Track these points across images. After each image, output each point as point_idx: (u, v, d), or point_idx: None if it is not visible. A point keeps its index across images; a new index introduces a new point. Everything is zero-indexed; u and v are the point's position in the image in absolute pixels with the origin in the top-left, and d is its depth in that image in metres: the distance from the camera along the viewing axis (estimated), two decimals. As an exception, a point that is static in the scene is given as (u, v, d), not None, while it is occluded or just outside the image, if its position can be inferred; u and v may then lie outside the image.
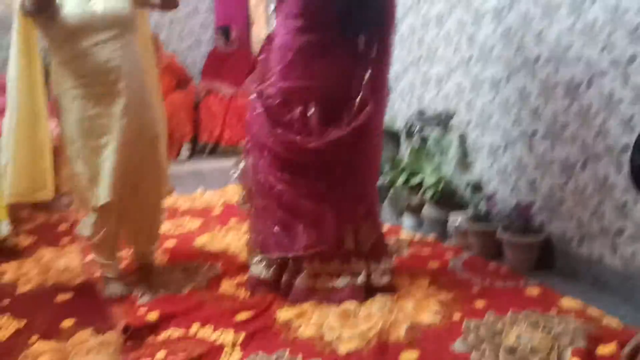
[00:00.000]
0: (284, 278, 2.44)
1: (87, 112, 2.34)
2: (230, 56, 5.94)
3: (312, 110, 2.35)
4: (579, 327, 2.06)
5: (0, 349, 2.09)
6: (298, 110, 2.35)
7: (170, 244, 3.21)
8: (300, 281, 2.41)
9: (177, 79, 5.90)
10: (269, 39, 2.49)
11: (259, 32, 6.52)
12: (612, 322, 2.13)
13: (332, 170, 2.41)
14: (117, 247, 2.59)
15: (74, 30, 2.29)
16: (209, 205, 4.05)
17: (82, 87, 2.33)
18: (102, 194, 2.34)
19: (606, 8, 2.30)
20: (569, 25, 2.47)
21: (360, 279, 2.42)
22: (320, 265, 2.43)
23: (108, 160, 2.34)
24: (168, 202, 4.07)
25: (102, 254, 2.51)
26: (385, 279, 2.46)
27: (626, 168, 2.26)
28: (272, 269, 2.47)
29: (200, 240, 3.25)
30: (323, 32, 2.32)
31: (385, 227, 3.39)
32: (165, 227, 3.50)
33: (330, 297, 2.38)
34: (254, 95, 2.47)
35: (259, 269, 2.49)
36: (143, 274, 2.67)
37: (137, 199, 2.53)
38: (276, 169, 2.40)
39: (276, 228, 2.43)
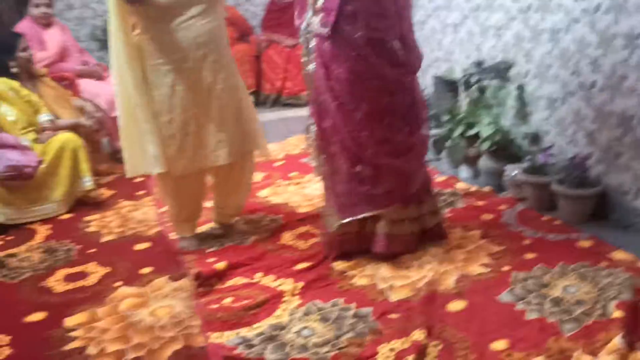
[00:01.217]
0: (366, 230, 2.46)
1: (178, 86, 2.41)
2: (290, 7, 5.95)
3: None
4: (627, 280, 2.10)
5: (90, 292, 2.37)
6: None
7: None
8: (381, 229, 2.43)
9: (238, 31, 6.00)
10: None
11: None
12: (662, 275, 2.16)
13: (406, 113, 2.37)
14: (198, 216, 2.75)
15: (166, 8, 2.34)
16: (271, 157, 4.21)
17: (173, 62, 2.39)
18: (186, 164, 2.48)
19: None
20: (631, -28, 2.38)
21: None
22: (399, 211, 2.44)
23: (192, 133, 2.45)
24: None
25: (181, 224, 2.70)
26: (434, 220, 2.54)
27: (686, 121, 2.22)
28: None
29: (263, 193, 3.44)
30: None
31: (443, 177, 3.48)
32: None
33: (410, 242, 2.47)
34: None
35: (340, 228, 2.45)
36: (220, 232, 2.82)
37: (230, 172, 2.65)
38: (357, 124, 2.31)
39: (362, 188, 2.37)
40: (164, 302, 2.23)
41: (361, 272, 2.38)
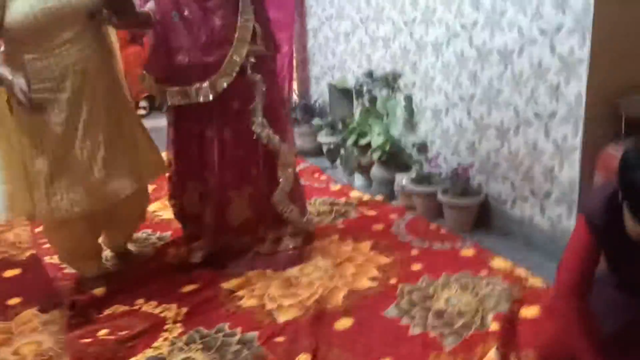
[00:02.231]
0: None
1: (52, 118, 2.11)
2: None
3: None
4: (505, 290, 2.19)
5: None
6: None
7: (122, 211, 3.24)
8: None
9: (130, 33, 5.75)
10: None
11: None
12: (536, 282, 2.26)
13: None
14: (95, 253, 2.47)
15: (27, 32, 2.04)
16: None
17: (45, 92, 2.09)
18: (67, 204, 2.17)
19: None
20: None
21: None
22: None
23: (73, 170, 2.15)
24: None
25: (77, 267, 2.43)
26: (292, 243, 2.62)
27: (553, 135, 2.34)
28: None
29: (151, 207, 3.27)
30: None
31: (337, 186, 3.49)
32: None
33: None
34: None
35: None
36: (119, 260, 2.62)
37: (124, 205, 2.35)
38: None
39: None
40: (31, 337, 2.05)
41: (251, 292, 2.32)
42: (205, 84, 2.35)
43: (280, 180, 2.55)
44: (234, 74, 2.35)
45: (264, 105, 2.45)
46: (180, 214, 2.69)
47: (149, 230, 2.95)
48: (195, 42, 2.36)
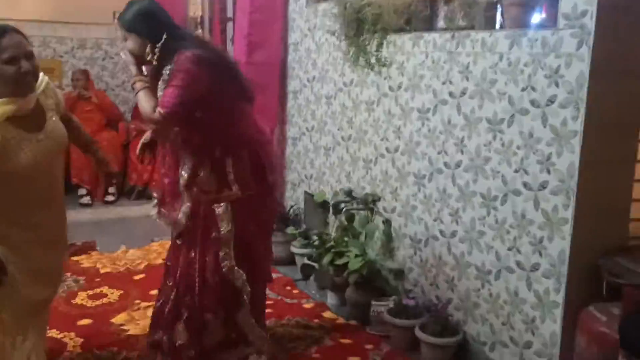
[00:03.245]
0: None
1: None
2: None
3: None
4: None
5: None
6: None
7: (85, 323, 3.09)
8: None
9: (107, 117, 5.74)
10: None
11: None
12: None
13: None
14: None
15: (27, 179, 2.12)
16: (131, 268, 3.93)
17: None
18: None
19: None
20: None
21: None
22: None
23: None
24: (89, 261, 4.00)
25: None
26: None
27: (535, 285, 2.38)
28: None
29: (118, 319, 3.14)
30: None
31: (310, 304, 3.43)
32: (82, 297, 3.41)
33: None
34: None
35: None
36: None
37: None
38: None
39: None
40: None
41: None
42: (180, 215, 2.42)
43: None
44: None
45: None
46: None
47: (114, 349, 2.80)
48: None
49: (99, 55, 6.12)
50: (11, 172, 2.05)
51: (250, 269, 2.48)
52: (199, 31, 6.35)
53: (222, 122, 2.35)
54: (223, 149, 2.38)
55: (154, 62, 2.30)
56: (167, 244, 2.64)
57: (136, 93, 2.30)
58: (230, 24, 5.69)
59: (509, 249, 2.50)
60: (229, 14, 5.71)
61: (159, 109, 2.19)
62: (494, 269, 2.59)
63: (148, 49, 2.29)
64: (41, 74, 2.17)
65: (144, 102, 2.24)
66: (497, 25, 2.63)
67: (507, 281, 2.52)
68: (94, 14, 5.75)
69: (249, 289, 2.47)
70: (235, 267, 2.43)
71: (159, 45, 2.26)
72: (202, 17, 6.36)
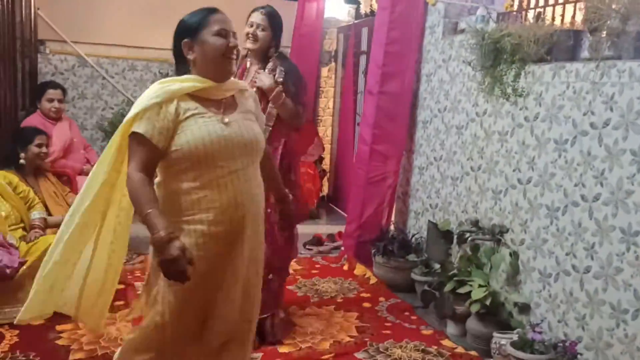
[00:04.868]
0: None
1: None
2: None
3: None
4: None
5: None
6: None
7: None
8: None
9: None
10: None
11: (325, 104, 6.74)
12: None
13: None
14: None
15: (203, 158, 1.89)
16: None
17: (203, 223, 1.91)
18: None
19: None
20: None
21: None
22: None
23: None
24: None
25: None
26: None
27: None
28: None
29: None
30: None
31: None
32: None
33: None
34: None
35: None
36: None
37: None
38: None
39: None
40: None
41: None
42: None
43: None
44: None
45: None
46: None
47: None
48: None
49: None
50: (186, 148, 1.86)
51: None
52: (332, 64, 6.69)
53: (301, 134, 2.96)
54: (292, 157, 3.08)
55: (269, 60, 2.97)
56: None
57: (282, 102, 2.94)
58: (363, 57, 5.93)
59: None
60: (363, 47, 5.95)
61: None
62: (631, 308, 2.46)
63: (272, 48, 2.97)
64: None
65: (291, 106, 2.95)
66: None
67: (647, 322, 2.38)
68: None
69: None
70: None
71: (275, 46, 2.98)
72: (336, 50, 6.68)
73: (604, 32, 2.58)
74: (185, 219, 1.89)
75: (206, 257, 1.90)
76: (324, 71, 6.71)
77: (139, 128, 1.85)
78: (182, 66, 1.99)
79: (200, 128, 1.87)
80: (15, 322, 2.14)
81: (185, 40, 1.94)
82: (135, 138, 1.86)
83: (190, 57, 1.94)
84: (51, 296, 2.01)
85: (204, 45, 1.92)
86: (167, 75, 6.11)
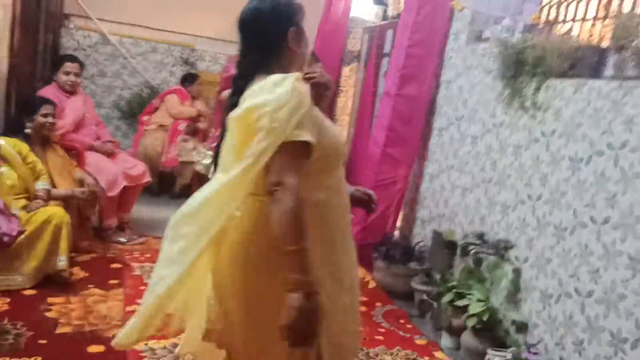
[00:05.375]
0: None
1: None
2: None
3: None
4: None
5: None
6: None
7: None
8: None
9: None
10: None
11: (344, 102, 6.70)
12: None
13: None
14: None
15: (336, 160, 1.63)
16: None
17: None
18: None
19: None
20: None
21: None
22: None
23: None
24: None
25: None
26: None
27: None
28: None
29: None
30: None
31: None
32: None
33: None
34: None
35: None
36: None
37: None
38: None
39: None
40: None
41: None
42: None
43: None
44: None
45: None
46: None
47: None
48: None
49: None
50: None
51: None
52: (354, 64, 6.64)
53: None
54: None
55: None
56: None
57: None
58: (385, 60, 5.86)
59: (653, 319, 2.28)
60: (386, 49, 5.89)
61: None
62: (631, 337, 2.37)
63: None
64: None
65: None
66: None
67: (646, 353, 2.29)
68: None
69: None
70: None
71: None
72: (359, 51, 6.62)
73: (630, 51, 2.49)
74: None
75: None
76: (345, 70, 6.65)
77: (306, 136, 1.44)
78: (270, 58, 1.62)
79: (331, 132, 1.60)
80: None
81: (293, 28, 1.63)
82: (302, 148, 1.45)
83: (297, 49, 1.65)
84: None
85: (304, 37, 1.66)
86: (187, 60, 6.12)
